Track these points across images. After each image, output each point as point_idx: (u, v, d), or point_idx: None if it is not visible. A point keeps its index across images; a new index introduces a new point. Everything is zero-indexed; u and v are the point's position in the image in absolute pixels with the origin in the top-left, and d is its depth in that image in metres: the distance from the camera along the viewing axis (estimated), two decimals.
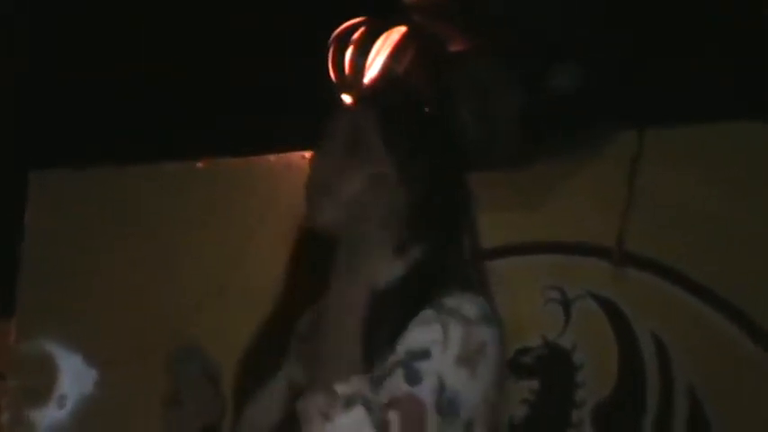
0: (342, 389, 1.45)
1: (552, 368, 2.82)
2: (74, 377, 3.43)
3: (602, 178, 2.85)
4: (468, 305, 1.51)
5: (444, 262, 1.59)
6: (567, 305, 2.84)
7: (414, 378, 1.46)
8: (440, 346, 1.47)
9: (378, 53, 2.65)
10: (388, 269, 1.58)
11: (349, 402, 1.44)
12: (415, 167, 1.61)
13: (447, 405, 1.46)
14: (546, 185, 2.88)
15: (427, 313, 1.51)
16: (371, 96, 1.71)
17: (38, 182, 3.56)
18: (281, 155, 3.24)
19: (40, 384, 3.46)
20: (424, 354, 1.47)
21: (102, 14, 3.21)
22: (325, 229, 1.61)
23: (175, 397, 1.56)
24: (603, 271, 2.81)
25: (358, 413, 1.44)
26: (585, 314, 2.83)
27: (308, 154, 3.14)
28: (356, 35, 2.71)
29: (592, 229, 2.84)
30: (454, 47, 2.66)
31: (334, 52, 2.72)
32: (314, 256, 1.65)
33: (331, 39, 2.75)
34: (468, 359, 1.48)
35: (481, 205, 2.65)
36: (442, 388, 1.46)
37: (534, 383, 2.81)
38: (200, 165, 3.39)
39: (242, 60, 3.07)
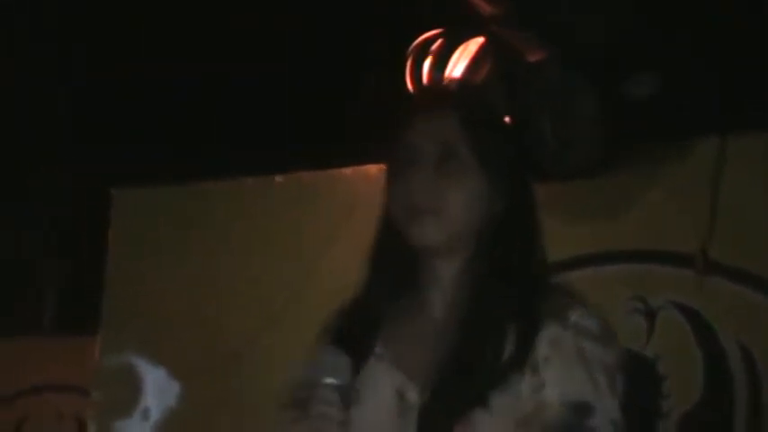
0: None
1: (636, 379, 2.77)
2: (157, 390, 3.49)
3: (684, 185, 2.81)
4: (589, 320, 1.53)
5: (532, 271, 1.59)
6: (650, 315, 2.81)
7: None
8: (594, 391, 1.50)
9: (456, 64, 2.66)
10: (477, 278, 1.59)
11: None
12: (503, 178, 1.60)
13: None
14: (628, 194, 2.85)
15: (555, 332, 1.52)
16: (454, 107, 1.67)
17: (120, 200, 3.63)
18: (358, 167, 3.26)
19: (125, 397, 3.52)
20: (587, 408, 1.49)
21: (179, 35, 3.27)
22: (430, 248, 1.61)
23: None
24: (687, 280, 2.77)
25: None
26: (669, 324, 2.79)
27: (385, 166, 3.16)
28: (434, 46, 2.72)
29: (675, 237, 2.80)
30: (532, 57, 2.65)
31: (412, 64, 2.73)
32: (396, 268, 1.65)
33: (409, 50, 2.76)
34: (613, 384, 1.52)
35: (562, 215, 2.65)
36: (618, 428, 1.50)
37: None
38: (278, 179, 3.42)
39: (320, 75, 3.10)
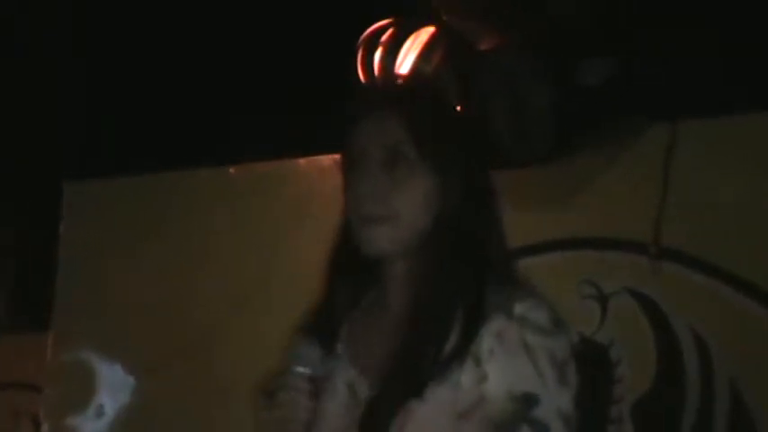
0: None
1: (589, 364, 2.79)
2: (111, 386, 3.45)
3: (636, 172, 2.82)
4: (536, 312, 1.52)
5: (486, 259, 1.59)
6: (603, 301, 2.82)
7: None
8: (539, 382, 1.49)
9: (407, 54, 2.65)
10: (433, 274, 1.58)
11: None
12: (456, 172, 1.59)
13: (572, 423, 1.51)
14: (580, 180, 2.86)
15: (500, 324, 1.51)
16: (400, 105, 1.63)
17: (72, 192, 3.58)
18: (312, 158, 3.25)
19: (78, 394, 3.48)
20: (532, 400, 1.48)
21: (132, 24, 3.24)
22: (385, 255, 1.60)
23: None
24: (640, 266, 2.78)
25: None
26: (622, 310, 2.80)
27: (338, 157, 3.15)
28: (385, 36, 2.71)
29: (627, 223, 2.82)
30: (484, 44, 2.66)
31: (363, 54, 2.72)
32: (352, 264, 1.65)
33: (360, 40, 2.75)
34: (562, 375, 1.51)
35: (515, 202, 2.65)
36: (567, 419, 1.49)
37: None
38: (231, 170, 3.40)
39: (271, 63, 3.08)
